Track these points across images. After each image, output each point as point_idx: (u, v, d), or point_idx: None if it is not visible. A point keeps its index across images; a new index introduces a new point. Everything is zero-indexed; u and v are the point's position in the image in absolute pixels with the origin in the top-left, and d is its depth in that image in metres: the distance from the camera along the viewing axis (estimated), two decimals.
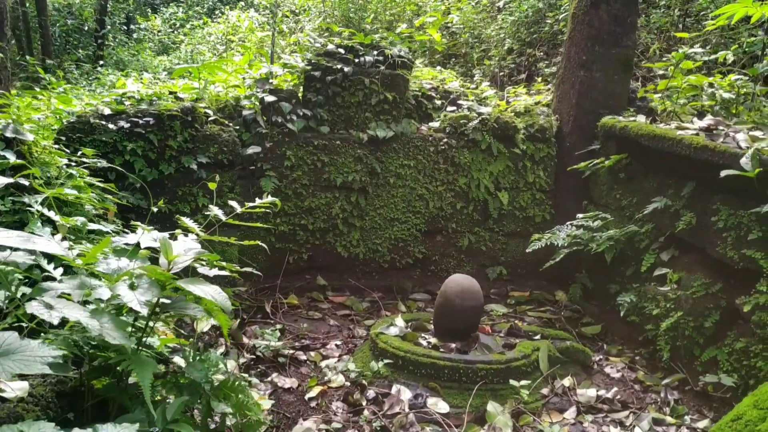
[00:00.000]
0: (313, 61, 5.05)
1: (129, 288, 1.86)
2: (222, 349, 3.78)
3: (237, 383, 2.34)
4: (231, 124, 4.80)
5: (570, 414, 3.50)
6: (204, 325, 3.66)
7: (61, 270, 1.99)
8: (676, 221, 4.03)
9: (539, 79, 6.49)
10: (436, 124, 5.33)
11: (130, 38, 13.50)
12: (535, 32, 7.10)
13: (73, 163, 3.35)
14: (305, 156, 4.95)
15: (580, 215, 4.73)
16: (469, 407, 3.40)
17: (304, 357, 4.03)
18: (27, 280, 2.13)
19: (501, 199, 5.29)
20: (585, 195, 5.20)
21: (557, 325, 4.67)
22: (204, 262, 2.19)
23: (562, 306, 5.02)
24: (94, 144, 4.07)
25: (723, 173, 3.34)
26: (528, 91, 6.14)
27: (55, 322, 1.58)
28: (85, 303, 1.93)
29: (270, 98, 4.88)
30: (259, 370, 3.80)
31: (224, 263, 2.25)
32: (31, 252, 1.90)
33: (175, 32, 13.84)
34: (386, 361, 3.65)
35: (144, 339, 2.09)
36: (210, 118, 4.72)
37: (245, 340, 4.04)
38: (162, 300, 2.02)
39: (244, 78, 5.37)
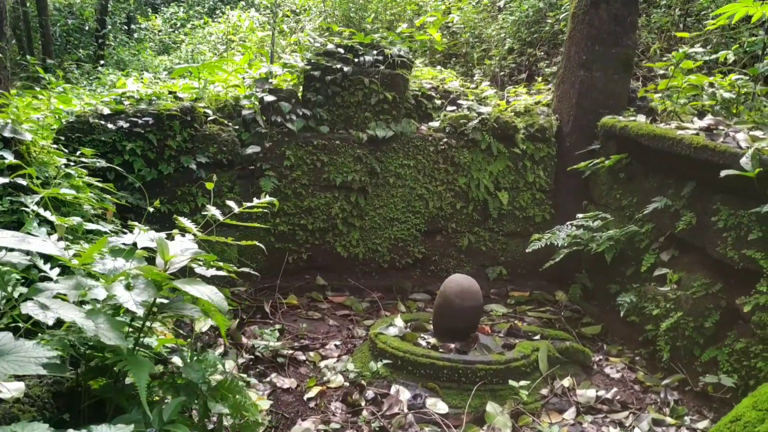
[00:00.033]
0: (312, 60, 5.05)
1: (125, 288, 1.86)
2: (221, 350, 3.77)
3: (234, 384, 2.33)
4: (230, 124, 4.80)
5: (569, 415, 3.50)
6: (203, 326, 3.67)
7: (57, 270, 1.98)
8: (676, 221, 4.02)
9: (540, 79, 6.48)
10: (435, 124, 5.33)
11: (130, 38, 13.51)
12: (535, 32, 7.09)
13: (72, 163, 3.34)
14: (305, 156, 4.94)
15: (580, 215, 4.72)
16: (468, 408, 3.39)
17: (303, 357, 4.03)
18: (25, 281, 2.13)
19: (501, 199, 5.28)
20: (585, 195, 5.19)
21: (557, 326, 4.66)
22: (201, 263, 2.18)
23: (562, 306, 5.01)
24: (94, 144, 4.06)
25: (723, 173, 3.32)
26: (528, 90, 6.13)
27: (50, 322, 1.58)
28: (82, 303, 1.93)
29: (269, 98, 4.87)
30: (258, 370, 3.79)
31: (221, 263, 2.24)
32: (27, 252, 1.90)
33: (176, 32, 13.85)
34: (385, 361, 3.65)
35: (141, 339, 2.09)
36: (209, 118, 4.71)
37: (244, 340, 4.04)
38: (159, 300, 2.02)
39: (243, 78, 5.37)
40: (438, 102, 5.60)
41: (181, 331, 3.55)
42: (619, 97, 5.15)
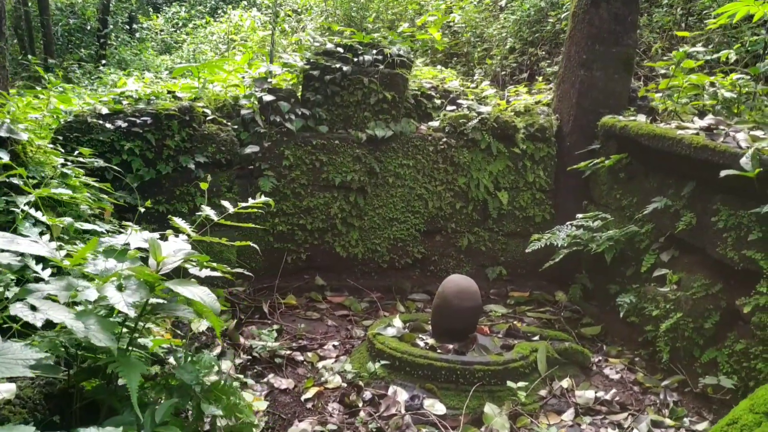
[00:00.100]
0: (312, 60, 5.04)
1: (117, 289, 1.84)
2: (218, 350, 3.77)
3: (228, 385, 2.32)
4: (229, 124, 4.79)
5: (568, 416, 3.48)
6: (200, 326, 3.66)
7: (49, 271, 1.97)
8: (676, 221, 4.00)
9: (541, 79, 6.46)
10: (435, 124, 5.31)
11: (132, 37, 13.52)
12: (537, 31, 7.07)
13: (70, 163, 3.34)
14: (304, 155, 4.93)
15: (580, 215, 4.70)
16: (466, 409, 3.38)
17: (301, 358, 4.01)
18: (20, 282, 2.12)
19: (500, 199, 5.26)
20: (585, 195, 5.16)
21: (557, 326, 4.64)
22: (194, 263, 2.17)
23: (561, 306, 4.99)
24: (92, 143, 4.06)
25: (723, 173, 3.30)
26: (529, 90, 6.11)
27: (39, 324, 1.57)
28: (75, 304, 1.92)
29: (268, 97, 4.86)
30: (255, 370, 3.78)
31: (215, 264, 2.23)
32: (19, 253, 1.89)
33: (178, 31, 13.86)
34: (383, 362, 3.64)
35: (136, 340, 2.08)
36: (208, 118, 4.70)
37: (242, 340, 4.03)
38: (153, 301, 2.01)
39: (243, 77, 5.36)
40: (438, 101, 5.58)
41: (179, 332, 3.54)
42: (619, 97, 5.12)
